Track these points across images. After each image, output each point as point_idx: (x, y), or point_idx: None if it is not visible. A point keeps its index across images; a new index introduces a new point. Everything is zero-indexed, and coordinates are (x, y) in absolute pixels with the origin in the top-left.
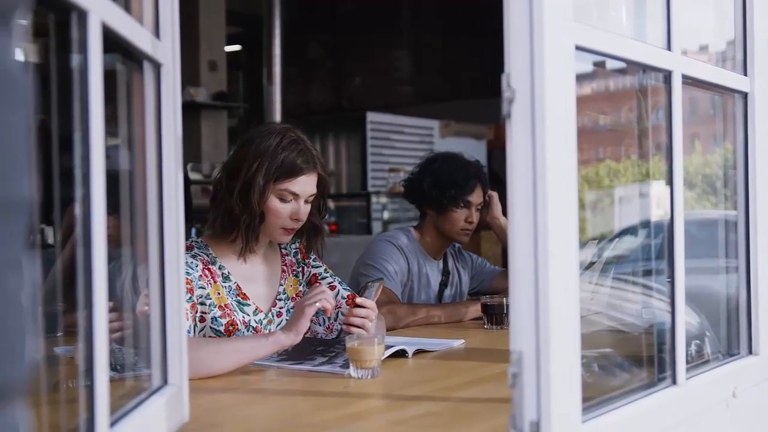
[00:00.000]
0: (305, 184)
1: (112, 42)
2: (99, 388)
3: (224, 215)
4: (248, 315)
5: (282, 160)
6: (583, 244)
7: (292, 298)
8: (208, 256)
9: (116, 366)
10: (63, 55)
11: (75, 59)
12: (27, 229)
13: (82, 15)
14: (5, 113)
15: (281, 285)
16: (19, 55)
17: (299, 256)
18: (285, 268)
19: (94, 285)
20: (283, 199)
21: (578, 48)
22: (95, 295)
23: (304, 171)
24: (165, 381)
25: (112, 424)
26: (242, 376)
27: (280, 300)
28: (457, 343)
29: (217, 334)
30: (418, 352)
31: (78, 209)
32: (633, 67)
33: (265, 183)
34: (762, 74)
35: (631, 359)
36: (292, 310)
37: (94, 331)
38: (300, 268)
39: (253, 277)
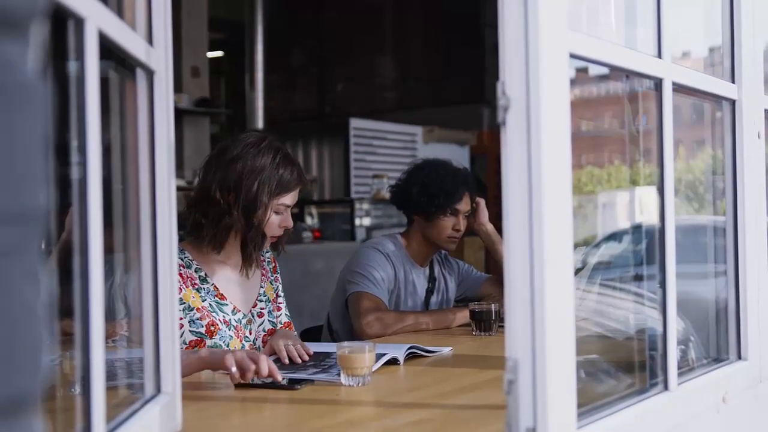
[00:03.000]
0: (296, 196)
1: (106, 49)
2: (95, 398)
3: (225, 231)
4: (227, 314)
5: (280, 177)
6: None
7: (272, 300)
8: (182, 259)
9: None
10: (59, 61)
11: (71, 66)
12: (42, 239)
13: (79, 22)
14: (23, 123)
15: (261, 287)
16: (36, 64)
17: (271, 267)
18: (264, 272)
19: (91, 294)
20: (277, 212)
21: (572, 56)
22: (91, 304)
23: (299, 185)
24: (158, 390)
25: None
26: (234, 384)
27: (261, 301)
28: (446, 350)
29: (198, 336)
30: (411, 356)
31: (75, 216)
32: (616, 73)
33: (269, 201)
34: (749, 82)
35: (622, 365)
36: (272, 312)
37: (91, 340)
38: (273, 277)
39: (234, 279)
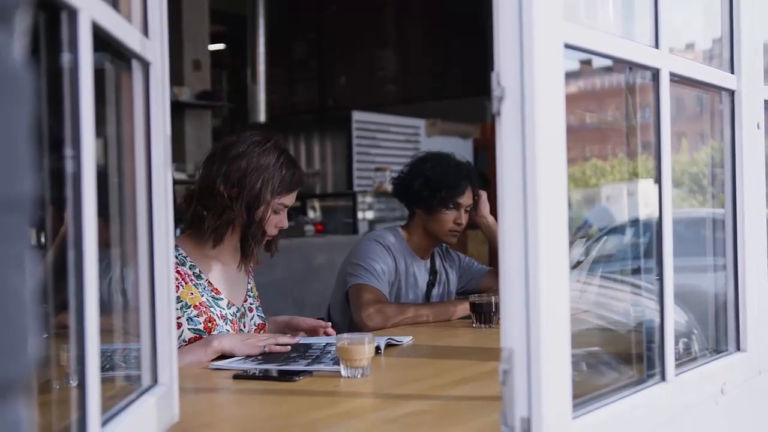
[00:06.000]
0: (294, 197)
1: (101, 41)
2: (91, 389)
3: (225, 225)
4: (223, 309)
5: (283, 176)
6: (570, 243)
7: (257, 296)
8: (177, 257)
9: (104, 366)
10: (52, 53)
11: (65, 58)
12: (29, 226)
13: (73, 13)
14: (8, 111)
15: (249, 283)
16: (21, 54)
17: (251, 266)
18: (250, 269)
19: (85, 285)
20: (275, 212)
21: (567, 46)
22: (86, 295)
23: (299, 186)
24: (155, 381)
25: (103, 423)
26: (231, 377)
27: (249, 296)
28: (406, 340)
29: (197, 333)
30: (389, 346)
31: (68, 210)
32: (619, 65)
33: (271, 199)
34: (749, 72)
35: (620, 357)
36: (259, 307)
37: (86, 332)
38: (253, 277)
39: (225, 275)
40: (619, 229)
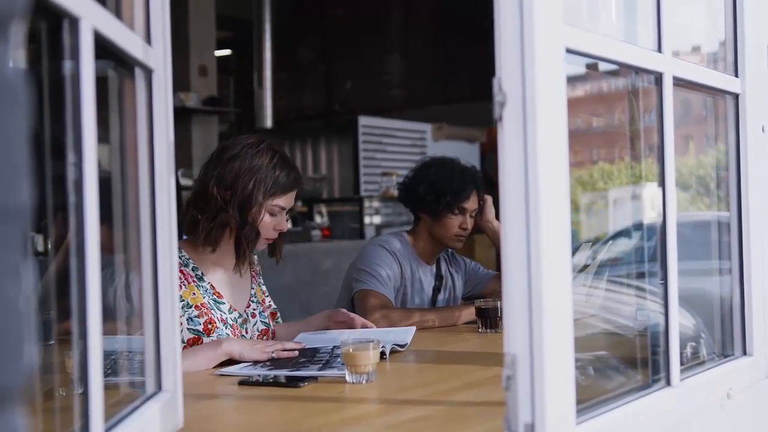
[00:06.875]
0: (292, 199)
1: (103, 48)
2: (94, 395)
3: (219, 227)
4: (224, 313)
5: (277, 177)
6: (577, 247)
7: (261, 302)
8: (180, 258)
9: (108, 371)
10: (54, 61)
11: (67, 66)
12: (25, 235)
13: (74, 22)
14: (4, 120)
15: (252, 288)
16: (17, 62)
17: (258, 269)
18: (254, 274)
19: (88, 292)
20: (272, 214)
21: (569, 51)
22: (89, 302)
23: (295, 188)
24: (159, 387)
25: (107, 430)
26: (236, 383)
27: (253, 302)
28: (410, 335)
29: (196, 334)
30: (393, 352)
31: (71, 217)
32: (625, 69)
33: (263, 200)
34: (753, 75)
35: (626, 361)
36: (263, 313)
37: (89, 338)
38: (260, 279)
39: (227, 280)
40: (625, 233)
